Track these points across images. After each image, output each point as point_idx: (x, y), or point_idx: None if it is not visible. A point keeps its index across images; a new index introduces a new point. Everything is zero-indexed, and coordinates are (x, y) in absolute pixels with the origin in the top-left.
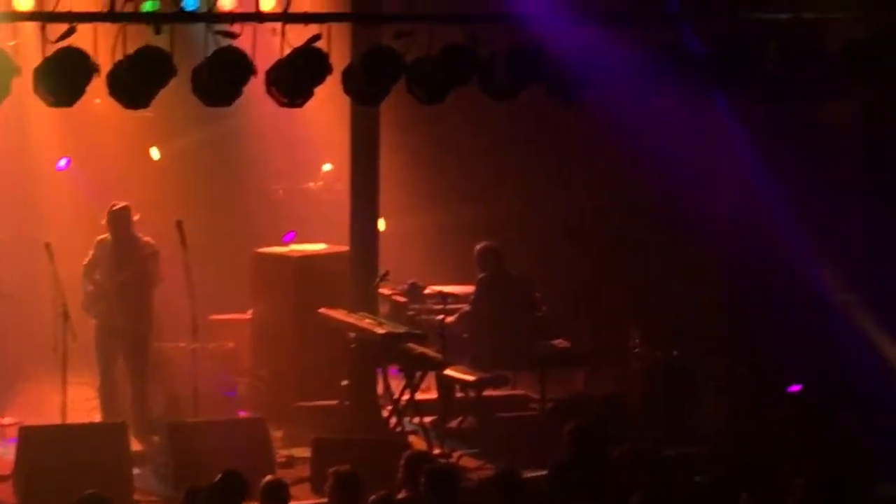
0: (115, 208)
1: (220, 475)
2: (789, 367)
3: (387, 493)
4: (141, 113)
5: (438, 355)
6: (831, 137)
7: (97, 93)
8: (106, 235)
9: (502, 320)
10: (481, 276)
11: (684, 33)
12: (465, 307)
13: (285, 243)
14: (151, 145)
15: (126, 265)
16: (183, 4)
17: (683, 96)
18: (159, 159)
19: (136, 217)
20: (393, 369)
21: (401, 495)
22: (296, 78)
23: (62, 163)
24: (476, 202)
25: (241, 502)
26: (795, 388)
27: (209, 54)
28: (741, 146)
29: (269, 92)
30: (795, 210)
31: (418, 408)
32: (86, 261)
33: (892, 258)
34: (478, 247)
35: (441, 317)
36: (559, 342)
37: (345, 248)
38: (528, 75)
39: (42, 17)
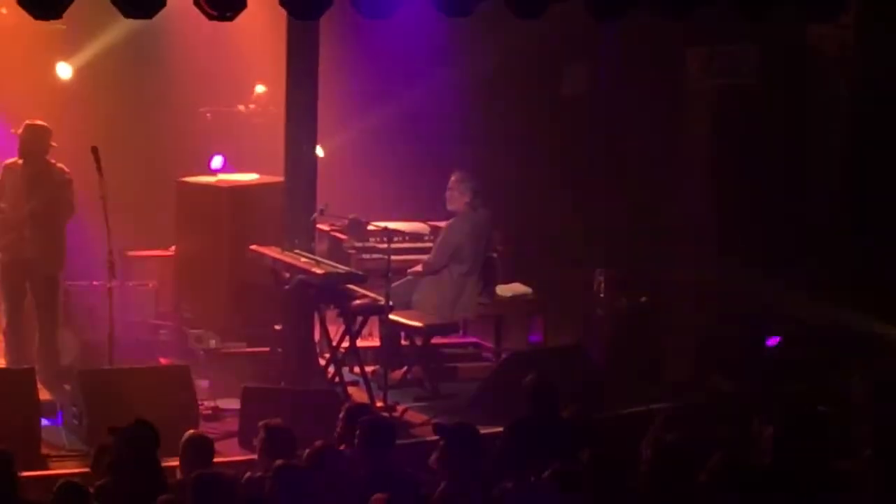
0: (34, 123)
1: (127, 426)
2: (768, 317)
3: (327, 443)
4: (52, 24)
5: (382, 299)
6: None
7: (3, 2)
8: (15, 160)
9: (465, 269)
10: (454, 218)
11: None
12: (431, 258)
13: (212, 171)
14: (61, 60)
15: (38, 193)
16: None
17: None
18: (71, 77)
19: (53, 144)
20: (332, 313)
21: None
22: None
23: None
24: (429, 130)
25: (154, 456)
26: (773, 340)
27: None
28: None
29: (196, 3)
30: None
31: (359, 356)
32: None
33: None
34: (455, 176)
35: (387, 256)
36: (516, 286)
37: (279, 178)
38: None
39: None
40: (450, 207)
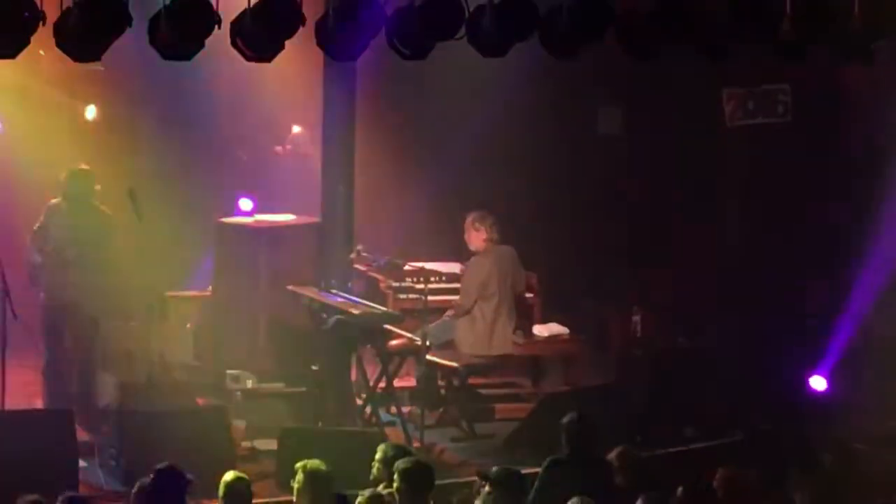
0: (79, 169)
1: (152, 474)
2: (810, 356)
3: (376, 493)
4: (90, 66)
5: (419, 339)
6: None
7: (41, 43)
8: (59, 200)
9: (493, 305)
10: (474, 256)
11: None
12: (459, 299)
13: (241, 213)
14: (97, 102)
15: (83, 237)
16: None
17: None
18: (99, 118)
19: (97, 187)
20: (369, 353)
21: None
22: (264, 29)
23: None
24: (466, 169)
25: (183, 499)
26: (818, 381)
27: (168, 2)
28: None
29: (233, 45)
30: None
31: (396, 397)
32: (35, 227)
33: None
34: (468, 218)
35: (424, 296)
36: (553, 326)
37: (315, 218)
38: (521, 30)
39: None
40: (472, 248)
